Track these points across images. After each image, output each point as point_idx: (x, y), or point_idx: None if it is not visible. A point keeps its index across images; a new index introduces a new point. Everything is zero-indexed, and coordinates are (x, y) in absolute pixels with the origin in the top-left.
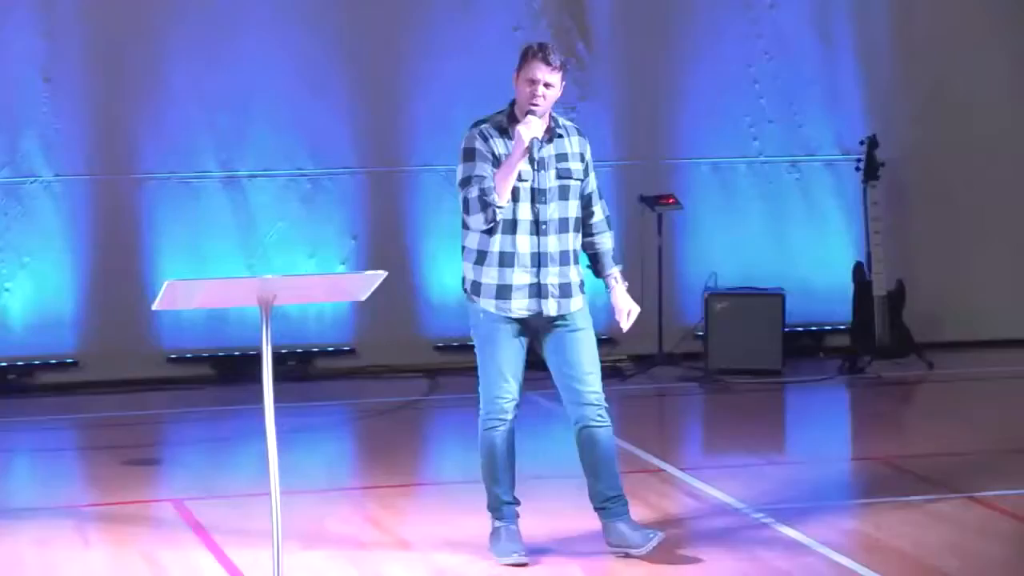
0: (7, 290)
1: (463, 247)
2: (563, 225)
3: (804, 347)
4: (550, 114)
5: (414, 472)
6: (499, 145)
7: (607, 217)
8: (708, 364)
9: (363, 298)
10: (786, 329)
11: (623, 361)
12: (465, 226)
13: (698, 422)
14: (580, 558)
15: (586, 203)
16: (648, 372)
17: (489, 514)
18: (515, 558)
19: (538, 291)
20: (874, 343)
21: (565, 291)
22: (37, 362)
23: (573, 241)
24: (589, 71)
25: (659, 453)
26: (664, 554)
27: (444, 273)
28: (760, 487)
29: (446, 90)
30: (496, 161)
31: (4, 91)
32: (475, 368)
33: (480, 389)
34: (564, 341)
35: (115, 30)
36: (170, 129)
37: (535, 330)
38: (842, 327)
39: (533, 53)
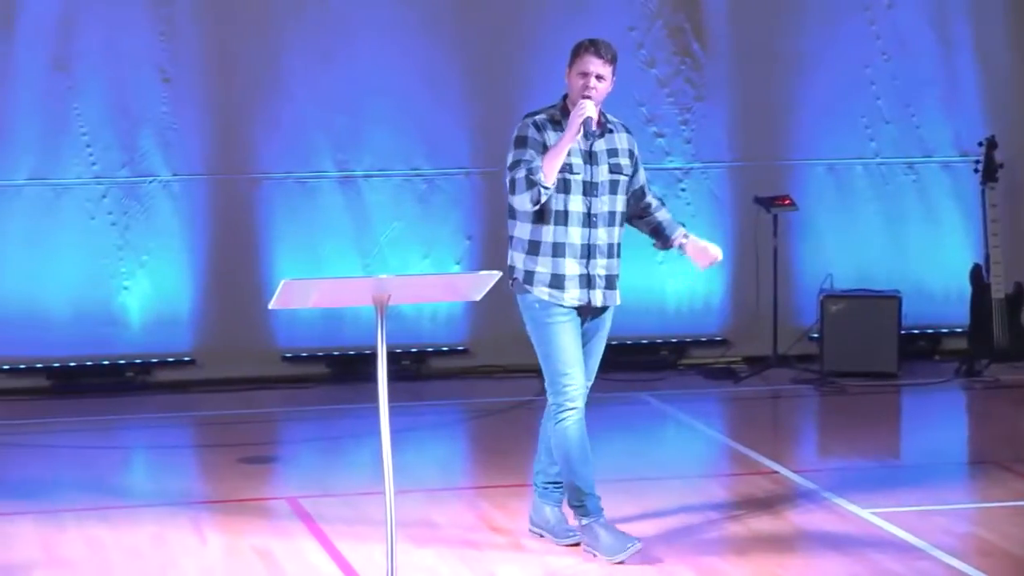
0: (126, 288)
1: (511, 237)
2: (611, 218)
3: (920, 350)
4: (600, 110)
5: (526, 472)
6: (551, 137)
7: (661, 200)
8: (823, 366)
9: (477, 298)
10: (902, 332)
11: (737, 363)
12: (512, 215)
13: (812, 424)
14: (689, 558)
15: (639, 195)
16: (762, 374)
17: (572, 511)
18: (631, 549)
19: (588, 282)
20: (992, 346)
21: (611, 283)
22: (155, 360)
23: (618, 234)
24: (705, 71)
25: (772, 455)
26: (776, 555)
27: None
28: (874, 489)
29: (560, 90)
30: (545, 151)
31: (123, 91)
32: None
33: (546, 381)
34: (590, 334)
35: (233, 30)
36: (287, 129)
37: (582, 318)
38: (959, 330)
39: (585, 48)
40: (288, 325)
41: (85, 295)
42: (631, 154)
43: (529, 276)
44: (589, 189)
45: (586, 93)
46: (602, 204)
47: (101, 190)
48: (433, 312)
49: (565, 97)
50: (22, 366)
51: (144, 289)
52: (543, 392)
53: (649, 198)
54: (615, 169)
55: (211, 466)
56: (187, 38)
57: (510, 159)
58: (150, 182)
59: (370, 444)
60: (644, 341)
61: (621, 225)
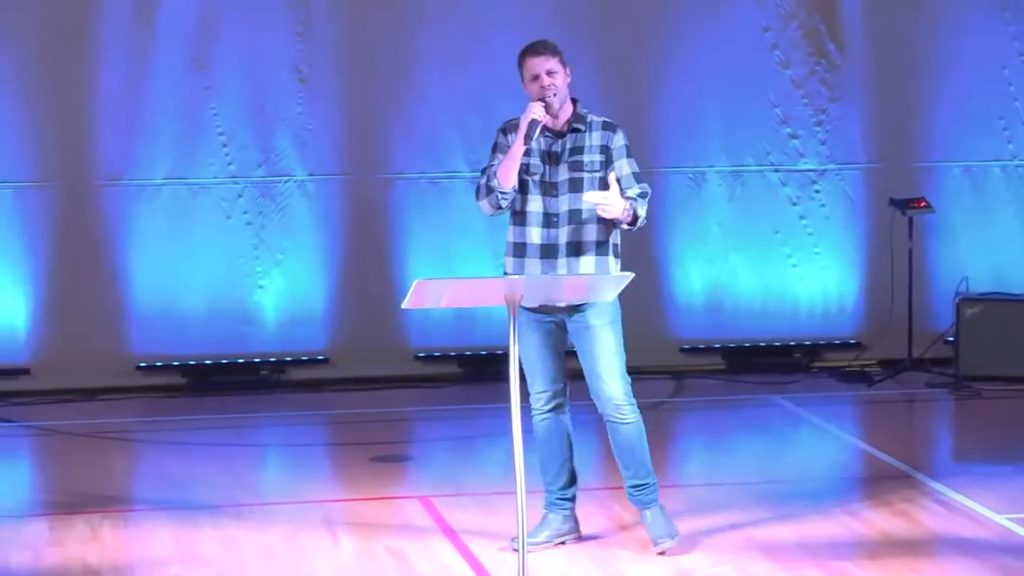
0: (261, 287)
1: None
2: (575, 217)
3: None
4: (575, 110)
5: (658, 474)
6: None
7: (640, 196)
8: (958, 370)
9: (610, 299)
10: None
11: (871, 366)
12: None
13: (946, 428)
14: (822, 561)
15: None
16: (896, 377)
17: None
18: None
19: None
20: None
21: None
22: (289, 358)
23: (587, 233)
24: (840, 72)
25: (907, 459)
26: (908, 559)
27: (690, 274)
28: (1010, 495)
29: (696, 91)
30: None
31: (259, 91)
32: (719, 369)
33: None
34: (575, 336)
35: (368, 31)
36: (420, 129)
37: (562, 322)
38: None
39: (523, 54)
40: (421, 325)
41: (221, 294)
42: (603, 150)
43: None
44: (547, 189)
45: (546, 93)
46: (562, 204)
47: (237, 189)
48: None
49: None
50: (159, 364)
51: (279, 288)
52: (674, 394)
53: (627, 191)
54: (576, 167)
55: (344, 465)
56: (323, 39)
57: (486, 164)
58: (285, 181)
59: (503, 444)
60: (777, 343)
61: (595, 223)
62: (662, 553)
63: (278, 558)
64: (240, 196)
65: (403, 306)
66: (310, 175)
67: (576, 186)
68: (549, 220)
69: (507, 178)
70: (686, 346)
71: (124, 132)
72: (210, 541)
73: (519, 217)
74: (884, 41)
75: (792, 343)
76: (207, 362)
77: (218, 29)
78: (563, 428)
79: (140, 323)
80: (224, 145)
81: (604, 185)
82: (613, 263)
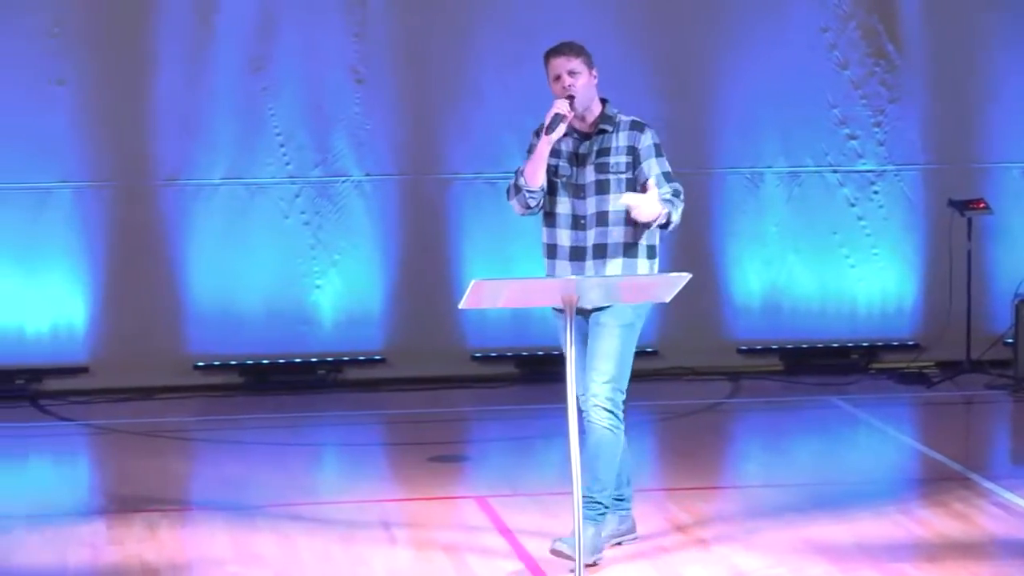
0: (318, 287)
1: None
2: (601, 219)
3: None
4: (604, 111)
5: (715, 475)
6: None
7: (674, 195)
8: (1017, 372)
9: (667, 300)
10: None
11: (929, 367)
12: None
13: (1005, 430)
14: (880, 563)
15: (643, 191)
16: (955, 379)
17: None
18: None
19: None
20: None
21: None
22: (346, 358)
23: (614, 235)
24: (899, 73)
25: (965, 461)
26: (966, 562)
27: (748, 275)
28: None
29: (754, 91)
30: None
31: (317, 91)
32: (777, 370)
33: None
34: (591, 332)
35: (424, 30)
36: (477, 129)
37: (586, 321)
38: None
39: (547, 54)
40: (477, 325)
41: (278, 293)
42: (631, 150)
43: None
44: (575, 191)
45: (569, 93)
46: (589, 206)
47: (295, 189)
48: None
49: None
50: (216, 363)
51: (336, 288)
52: (732, 395)
53: (660, 194)
54: (602, 169)
55: (401, 465)
56: (380, 39)
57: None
58: (342, 182)
59: (559, 445)
60: (835, 345)
61: (623, 225)
62: (553, 551)
63: (334, 558)
64: (297, 196)
65: (460, 306)
66: (367, 175)
67: (603, 188)
68: (577, 222)
69: (533, 177)
70: (743, 347)
71: (182, 132)
72: (267, 540)
73: (550, 219)
74: (943, 41)
75: (850, 344)
76: (264, 362)
77: (276, 30)
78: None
79: (198, 322)
80: (281, 145)
81: (632, 187)
82: (645, 265)
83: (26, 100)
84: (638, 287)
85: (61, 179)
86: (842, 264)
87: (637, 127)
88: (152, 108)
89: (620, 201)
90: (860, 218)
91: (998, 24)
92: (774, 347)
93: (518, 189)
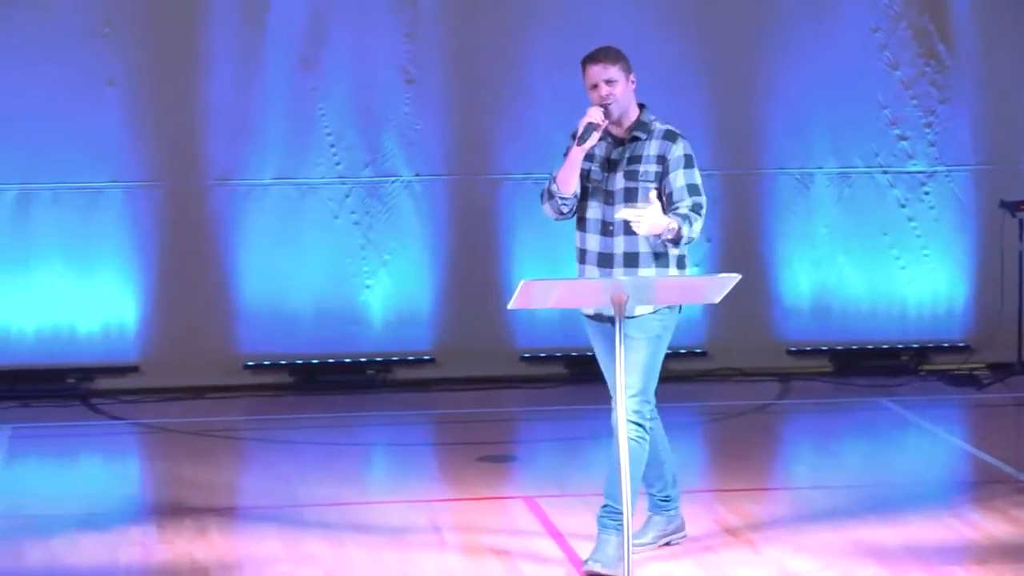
0: (368, 287)
1: None
2: (630, 227)
3: None
4: (640, 117)
5: (764, 477)
6: None
7: (692, 210)
8: None
9: (716, 300)
10: None
11: (980, 369)
12: None
13: None
14: (930, 565)
15: (668, 201)
16: (1005, 381)
17: None
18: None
19: None
20: None
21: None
22: (395, 358)
23: (644, 243)
24: (950, 73)
25: (1016, 463)
26: (1016, 565)
27: (798, 276)
28: None
29: (803, 92)
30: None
31: (367, 92)
32: (826, 371)
33: None
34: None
35: (475, 32)
36: (527, 130)
37: (609, 327)
38: None
39: (584, 61)
40: (527, 325)
41: (328, 293)
42: (660, 160)
43: None
44: (606, 197)
45: (605, 102)
46: (618, 213)
47: (345, 190)
48: None
49: None
50: (266, 363)
51: (386, 288)
52: (781, 396)
53: (678, 203)
54: (631, 176)
55: (450, 464)
56: (430, 40)
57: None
58: (392, 182)
59: (608, 445)
60: (885, 346)
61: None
62: (589, 574)
63: (384, 557)
64: (347, 196)
65: (509, 307)
66: (417, 175)
67: (631, 195)
68: (605, 228)
69: (566, 183)
70: (793, 348)
71: (233, 132)
72: (317, 540)
73: (581, 223)
74: (994, 41)
75: (900, 346)
76: (314, 361)
77: (327, 30)
78: (651, 433)
79: (248, 322)
80: (332, 145)
81: (659, 196)
82: (675, 275)
83: (77, 100)
84: (688, 288)
85: (112, 179)
86: (892, 265)
87: (670, 137)
88: (203, 108)
89: (617, 214)
90: (910, 219)
91: None
92: (823, 348)
93: (551, 195)
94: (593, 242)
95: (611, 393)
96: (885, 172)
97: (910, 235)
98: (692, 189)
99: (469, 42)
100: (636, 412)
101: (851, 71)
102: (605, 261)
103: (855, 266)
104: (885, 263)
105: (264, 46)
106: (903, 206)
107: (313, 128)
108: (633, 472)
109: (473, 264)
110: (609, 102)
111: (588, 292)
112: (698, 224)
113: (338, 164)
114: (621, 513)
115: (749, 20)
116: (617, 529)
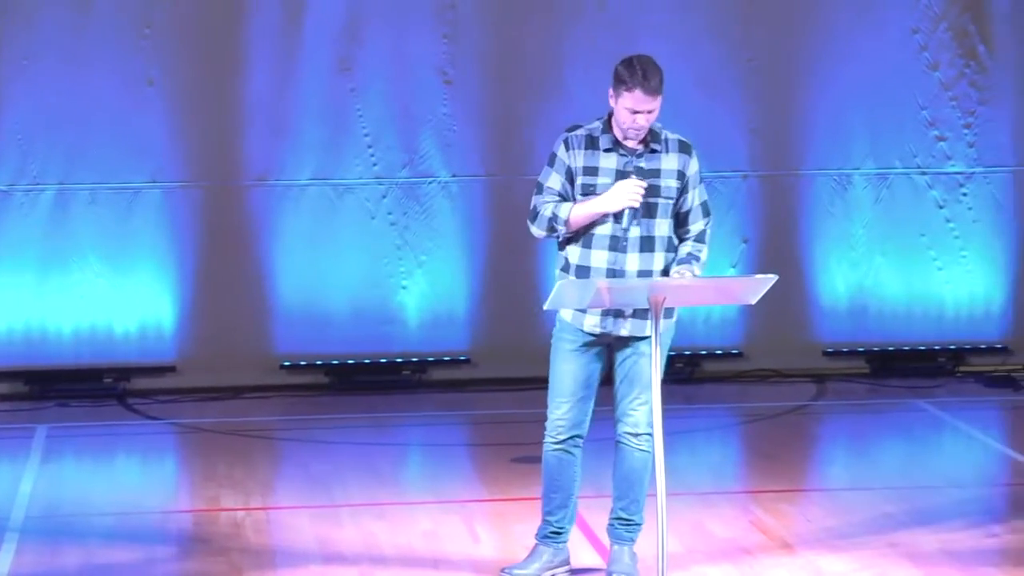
0: (404, 288)
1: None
2: (646, 244)
3: None
4: (653, 127)
5: (800, 477)
6: (579, 158)
7: (702, 232)
8: None
9: (753, 301)
10: None
11: (1018, 371)
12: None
13: None
14: (967, 568)
15: (682, 220)
16: None
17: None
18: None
19: (613, 310)
20: None
21: (641, 312)
22: (431, 359)
23: (658, 261)
24: (990, 75)
25: None
26: None
27: (835, 277)
28: None
29: (842, 92)
30: (569, 174)
31: (405, 92)
32: (863, 373)
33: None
34: (628, 363)
35: (513, 32)
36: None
37: (609, 346)
38: None
39: (634, 83)
40: None
41: (364, 293)
42: (680, 175)
43: None
44: (619, 212)
45: (633, 129)
46: (633, 228)
47: (381, 190)
48: (707, 315)
49: (611, 114)
50: (302, 363)
51: (422, 288)
52: (818, 396)
53: (690, 225)
54: (653, 192)
55: (485, 465)
56: (468, 41)
57: (540, 177)
58: (429, 183)
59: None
60: (922, 348)
61: (666, 250)
62: None
63: (417, 558)
64: (384, 197)
65: (545, 307)
66: (454, 176)
67: (650, 211)
68: (617, 244)
69: (578, 224)
70: (829, 349)
71: (271, 133)
72: (351, 539)
73: (584, 239)
74: None
75: (937, 347)
76: (350, 361)
77: (364, 31)
78: (575, 463)
79: (284, 322)
80: (369, 146)
81: (675, 210)
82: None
83: (117, 100)
84: (724, 289)
85: (151, 179)
86: (930, 267)
87: (686, 150)
88: (241, 109)
89: (669, 282)
90: (948, 220)
91: None
92: (860, 350)
93: (552, 228)
94: (600, 258)
95: (568, 418)
96: (923, 173)
97: (948, 236)
98: (705, 208)
99: (507, 43)
100: (649, 424)
101: (890, 72)
102: (612, 277)
103: (892, 267)
104: (922, 264)
105: (302, 47)
106: (941, 207)
107: (350, 129)
108: (648, 484)
109: (509, 265)
110: (636, 133)
111: (625, 292)
112: (705, 252)
113: (375, 165)
114: (640, 525)
115: (789, 21)
116: (634, 540)
